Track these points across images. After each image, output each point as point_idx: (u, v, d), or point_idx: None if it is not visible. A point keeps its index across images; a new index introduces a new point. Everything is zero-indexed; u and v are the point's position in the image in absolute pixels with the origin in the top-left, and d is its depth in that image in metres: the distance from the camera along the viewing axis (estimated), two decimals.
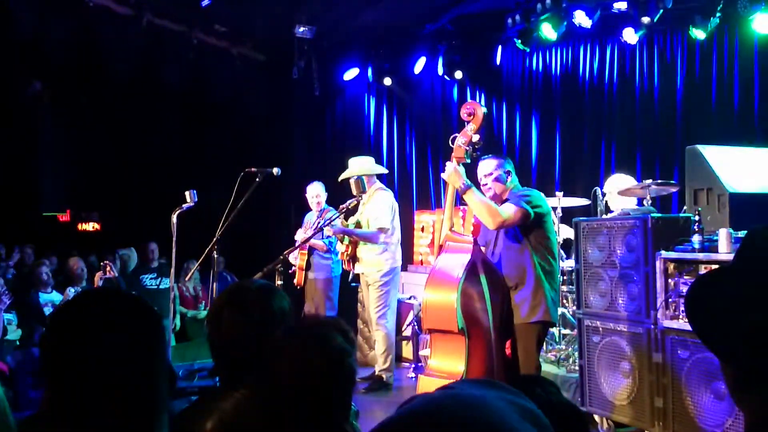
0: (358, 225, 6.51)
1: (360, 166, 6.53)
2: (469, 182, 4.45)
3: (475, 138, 4.58)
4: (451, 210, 4.68)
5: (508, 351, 4.48)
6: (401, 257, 6.74)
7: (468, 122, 4.62)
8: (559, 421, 0.88)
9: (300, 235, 6.56)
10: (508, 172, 4.62)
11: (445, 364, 4.38)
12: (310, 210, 6.96)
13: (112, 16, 7.85)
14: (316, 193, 6.84)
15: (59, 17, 7.64)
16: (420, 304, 5.77)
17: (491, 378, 4.14)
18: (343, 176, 6.52)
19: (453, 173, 4.47)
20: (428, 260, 7.89)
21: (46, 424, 1.35)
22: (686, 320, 4.00)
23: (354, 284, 6.95)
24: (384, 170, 6.82)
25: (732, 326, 1.06)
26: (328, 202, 6.89)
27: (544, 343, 6.00)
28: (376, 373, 6.50)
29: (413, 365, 6.98)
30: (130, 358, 1.34)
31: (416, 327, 7.14)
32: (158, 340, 1.42)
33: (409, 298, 7.54)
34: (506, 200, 4.56)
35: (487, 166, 4.63)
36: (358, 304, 7.47)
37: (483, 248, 4.68)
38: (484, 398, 0.80)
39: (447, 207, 4.67)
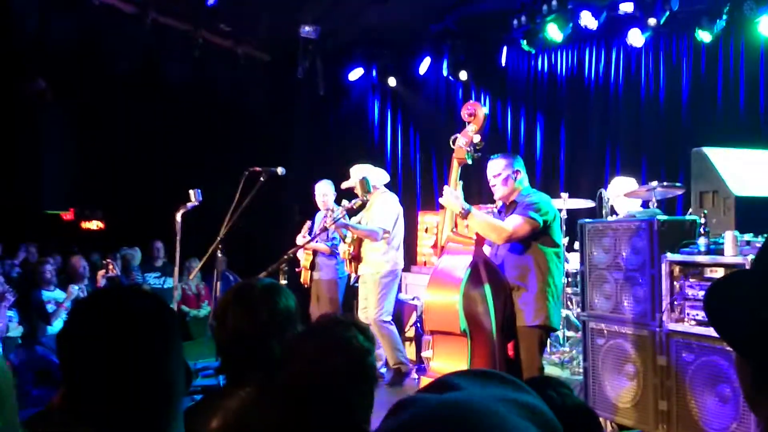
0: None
1: (361, 173, 6.53)
2: (467, 206, 4.42)
3: (476, 138, 4.55)
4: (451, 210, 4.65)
5: (510, 353, 4.46)
6: (403, 260, 6.74)
7: (469, 123, 4.60)
8: (574, 424, 0.86)
9: (300, 240, 6.55)
10: (517, 172, 4.59)
11: (448, 366, 4.36)
12: (318, 210, 6.96)
13: (117, 14, 7.85)
14: (323, 192, 6.83)
15: (64, 14, 7.64)
16: (422, 305, 5.76)
17: None
18: (345, 184, 6.53)
19: (451, 198, 4.45)
20: (431, 261, 7.88)
21: (62, 419, 1.34)
22: (691, 323, 3.99)
23: (356, 284, 6.94)
24: (386, 178, 6.80)
25: (754, 321, 1.04)
26: (335, 201, 6.88)
27: (549, 345, 6.00)
28: (393, 366, 6.54)
29: (416, 366, 6.96)
30: (147, 355, 1.34)
31: (419, 328, 7.13)
32: (175, 337, 1.41)
33: (413, 299, 7.52)
34: (514, 202, 4.54)
35: (495, 166, 4.61)
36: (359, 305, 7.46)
37: (488, 246, 4.66)
38: (484, 405, 0.76)
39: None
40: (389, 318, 6.54)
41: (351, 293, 7.28)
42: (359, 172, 6.54)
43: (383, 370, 6.68)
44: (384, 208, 6.43)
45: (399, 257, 6.59)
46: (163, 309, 1.43)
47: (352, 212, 6.15)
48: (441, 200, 4.56)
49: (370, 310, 6.49)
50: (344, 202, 6.34)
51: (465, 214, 4.39)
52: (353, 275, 6.68)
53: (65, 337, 1.38)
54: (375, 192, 6.45)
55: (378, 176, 6.67)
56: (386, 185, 6.76)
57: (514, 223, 4.36)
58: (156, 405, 1.35)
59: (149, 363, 1.34)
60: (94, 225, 12.10)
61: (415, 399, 0.81)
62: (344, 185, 6.58)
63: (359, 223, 6.48)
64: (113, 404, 1.31)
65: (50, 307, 6.67)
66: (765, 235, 3.95)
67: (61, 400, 1.37)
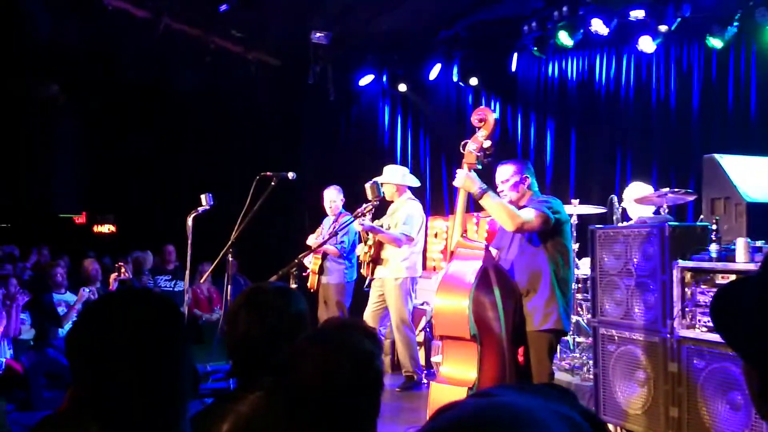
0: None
1: (393, 173, 6.62)
2: (484, 186, 4.39)
3: (487, 144, 4.54)
4: (462, 216, 4.61)
5: (520, 358, 4.45)
6: (421, 267, 6.79)
7: (479, 128, 4.59)
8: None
9: (312, 240, 6.60)
10: (525, 178, 4.57)
11: (457, 371, 4.35)
12: (327, 215, 7.01)
13: (130, 20, 7.90)
14: (331, 198, 6.90)
15: (77, 20, 7.70)
16: (432, 310, 5.77)
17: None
18: (378, 179, 6.56)
19: (466, 179, 4.41)
20: (441, 266, 7.87)
21: (70, 420, 1.35)
22: (702, 329, 3.98)
23: (367, 289, 6.96)
24: (417, 183, 6.86)
25: (761, 328, 1.04)
26: (345, 206, 6.93)
27: (559, 351, 5.98)
28: (404, 374, 6.62)
29: (425, 371, 6.97)
30: (155, 357, 1.35)
31: (428, 333, 7.14)
32: (183, 340, 1.42)
33: (422, 304, 7.52)
34: (524, 207, 4.53)
35: (504, 172, 4.59)
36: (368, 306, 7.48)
37: (496, 250, 4.64)
38: (530, 409, 0.77)
39: (458, 213, 4.62)
40: (410, 324, 6.60)
41: (361, 297, 7.30)
42: (393, 172, 6.62)
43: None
44: (409, 215, 6.49)
45: (418, 263, 6.66)
46: (172, 312, 1.44)
47: (373, 215, 6.20)
48: (455, 182, 4.49)
49: (391, 314, 6.56)
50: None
51: (481, 194, 4.33)
52: (369, 277, 6.71)
53: (72, 339, 1.39)
54: (402, 197, 6.54)
55: (410, 180, 6.76)
56: (414, 191, 6.82)
57: (528, 212, 4.33)
58: (163, 407, 1.36)
59: (156, 365, 1.35)
60: (106, 228, 12.18)
61: (462, 402, 0.81)
62: (379, 179, 6.64)
63: (381, 226, 6.53)
64: (120, 405, 1.32)
65: (61, 310, 6.71)
66: None
67: (69, 402, 1.38)
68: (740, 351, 1.10)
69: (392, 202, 6.66)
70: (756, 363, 1.08)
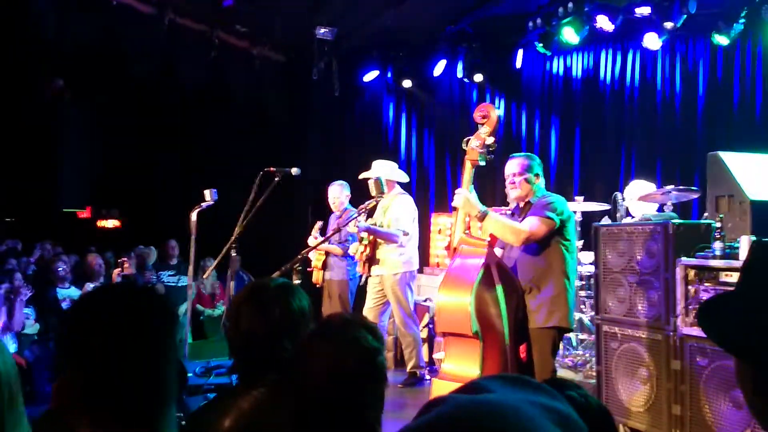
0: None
1: (382, 168, 6.59)
2: (484, 208, 4.40)
3: (489, 140, 4.52)
4: (465, 213, 4.63)
5: (523, 355, 4.45)
6: (418, 261, 6.78)
7: (482, 125, 4.58)
8: (596, 423, 0.85)
9: (312, 241, 6.57)
10: (536, 175, 4.56)
11: (459, 368, 4.35)
12: (331, 211, 7.01)
13: (134, 15, 7.90)
14: (335, 195, 6.86)
15: (82, 15, 7.70)
16: (435, 307, 5.76)
17: None
18: (363, 175, 6.56)
19: (466, 202, 4.41)
20: (444, 263, 7.88)
21: (57, 414, 1.36)
22: None
23: (363, 285, 6.97)
24: (406, 178, 6.84)
25: (754, 324, 1.03)
26: (350, 202, 6.91)
27: (562, 348, 5.97)
28: (408, 370, 6.64)
29: (428, 368, 6.97)
30: (139, 350, 1.34)
31: (431, 329, 7.14)
32: (171, 337, 1.42)
33: (425, 300, 7.53)
34: (528, 203, 4.51)
35: (515, 165, 4.57)
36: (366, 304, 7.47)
37: (501, 250, 4.64)
38: (516, 407, 0.76)
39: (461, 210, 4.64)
40: (414, 317, 6.60)
41: (365, 293, 7.30)
42: (381, 167, 6.60)
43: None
44: (402, 210, 6.48)
45: (414, 257, 6.64)
46: (162, 307, 1.43)
47: (367, 213, 6.17)
48: (454, 203, 4.53)
49: (394, 310, 6.57)
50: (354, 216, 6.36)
51: (482, 217, 4.36)
52: (365, 276, 6.70)
53: (61, 332, 1.39)
54: (392, 192, 6.50)
55: (399, 176, 6.72)
56: (403, 186, 6.79)
57: (531, 223, 4.33)
58: (147, 403, 1.35)
59: (143, 360, 1.35)
60: (110, 223, 12.20)
61: (447, 398, 0.81)
62: (362, 176, 6.62)
63: (374, 224, 6.51)
64: (106, 400, 1.32)
65: (65, 305, 6.73)
66: None
67: (57, 396, 1.38)
68: (730, 347, 1.10)
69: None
70: (750, 358, 1.07)
